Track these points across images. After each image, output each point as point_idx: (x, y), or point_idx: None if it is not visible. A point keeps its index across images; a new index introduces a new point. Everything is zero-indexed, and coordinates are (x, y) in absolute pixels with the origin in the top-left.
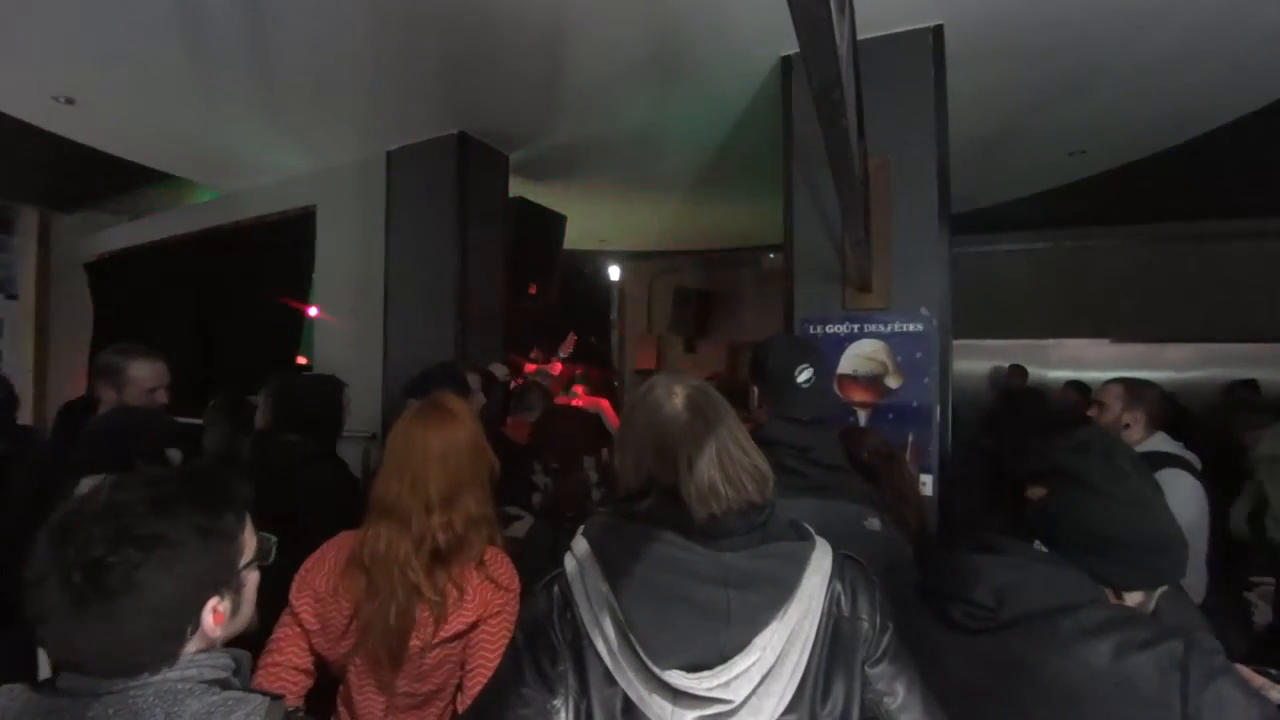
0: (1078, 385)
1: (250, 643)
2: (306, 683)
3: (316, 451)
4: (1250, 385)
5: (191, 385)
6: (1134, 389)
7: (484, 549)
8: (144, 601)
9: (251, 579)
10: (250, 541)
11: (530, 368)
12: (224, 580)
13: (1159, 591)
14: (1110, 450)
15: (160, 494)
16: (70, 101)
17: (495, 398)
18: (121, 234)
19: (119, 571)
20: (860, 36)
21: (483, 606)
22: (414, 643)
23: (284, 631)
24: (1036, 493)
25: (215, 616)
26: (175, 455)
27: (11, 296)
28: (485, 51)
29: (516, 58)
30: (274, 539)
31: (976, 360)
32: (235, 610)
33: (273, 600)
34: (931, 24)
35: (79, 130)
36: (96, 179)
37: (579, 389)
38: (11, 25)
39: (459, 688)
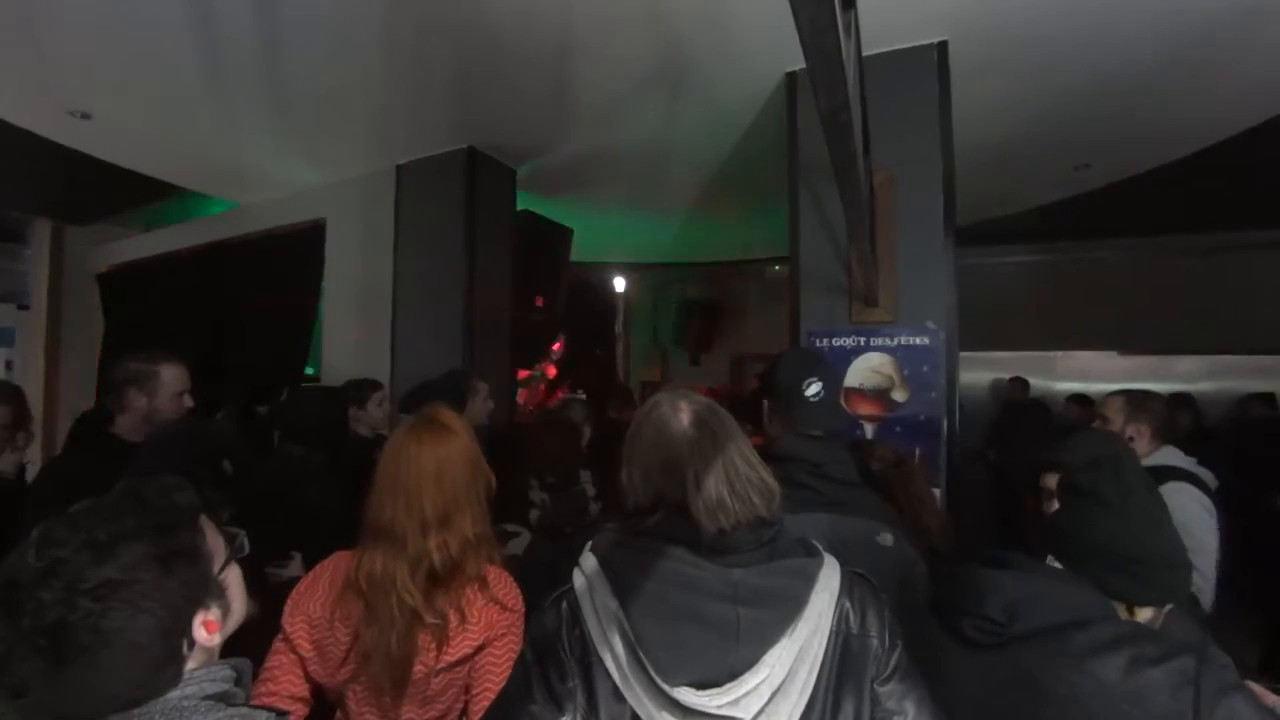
0: (1080, 399)
1: (250, 638)
2: (304, 711)
3: (320, 465)
4: (1267, 400)
5: (200, 396)
6: (1136, 401)
7: (484, 569)
8: (125, 645)
9: (234, 576)
10: (218, 543)
11: (523, 373)
12: (204, 594)
13: (1166, 609)
14: (1120, 466)
15: (96, 538)
16: (86, 116)
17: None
18: (133, 246)
19: (85, 626)
20: (866, 53)
21: (488, 629)
22: (418, 668)
23: (278, 659)
24: (1050, 480)
25: (208, 628)
26: (228, 466)
27: (24, 307)
28: (494, 68)
29: (525, 74)
30: (242, 532)
31: (983, 373)
32: (226, 613)
33: (275, 617)
34: (936, 40)
35: (93, 144)
36: (109, 191)
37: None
38: (29, 41)
39: (464, 711)
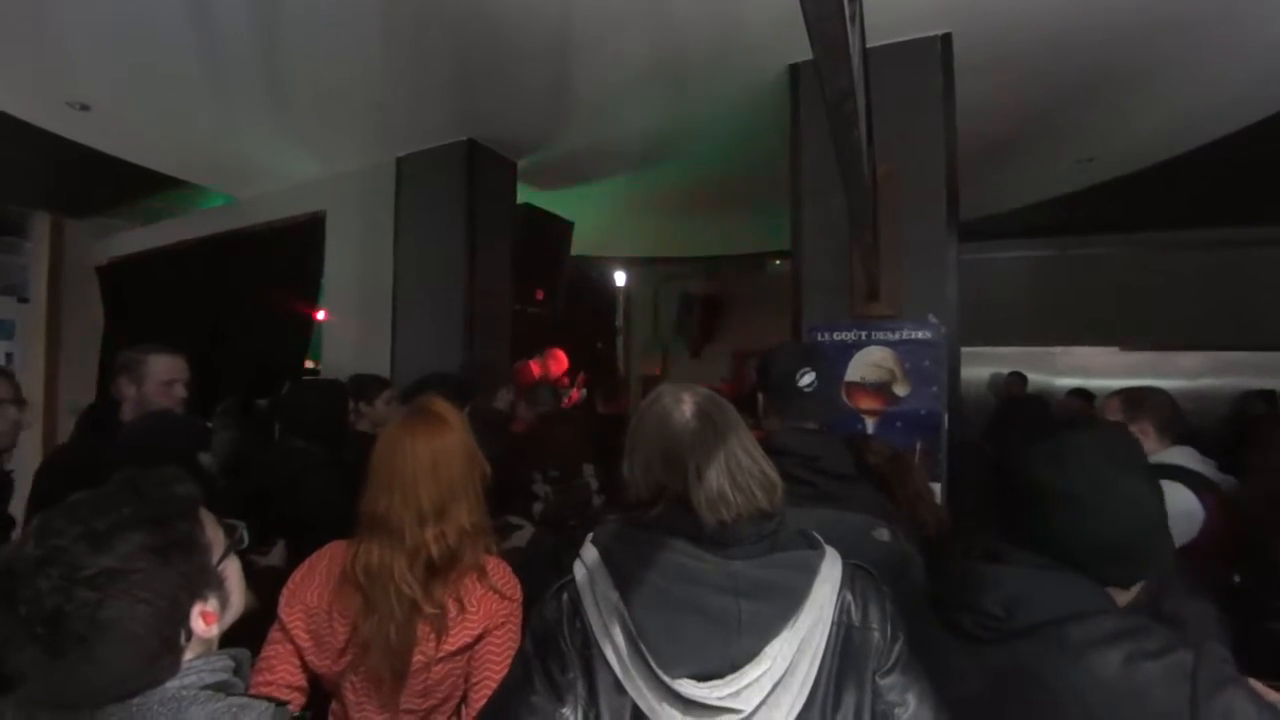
0: (1081, 393)
1: (249, 631)
2: (301, 700)
3: (320, 458)
4: (1267, 397)
5: (200, 389)
6: (1133, 399)
7: (482, 559)
8: (122, 635)
9: (232, 568)
10: (216, 535)
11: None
12: (202, 585)
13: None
14: (1085, 456)
15: (95, 528)
16: (85, 108)
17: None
18: (133, 238)
19: (82, 616)
20: (869, 45)
21: (488, 618)
22: (418, 658)
23: (275, 649)
24: None
25: (205, 619)
26: (207, 459)
27: (23, 300)
28: (495, 60)
29: (525, 66)
30: (241, 524)
31: (984, 367)
32: (224, 605)
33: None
34: (940, 32)
35: (93, 136)
36: (109, 184)
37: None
38: (28, 33)
39: (463, 700)
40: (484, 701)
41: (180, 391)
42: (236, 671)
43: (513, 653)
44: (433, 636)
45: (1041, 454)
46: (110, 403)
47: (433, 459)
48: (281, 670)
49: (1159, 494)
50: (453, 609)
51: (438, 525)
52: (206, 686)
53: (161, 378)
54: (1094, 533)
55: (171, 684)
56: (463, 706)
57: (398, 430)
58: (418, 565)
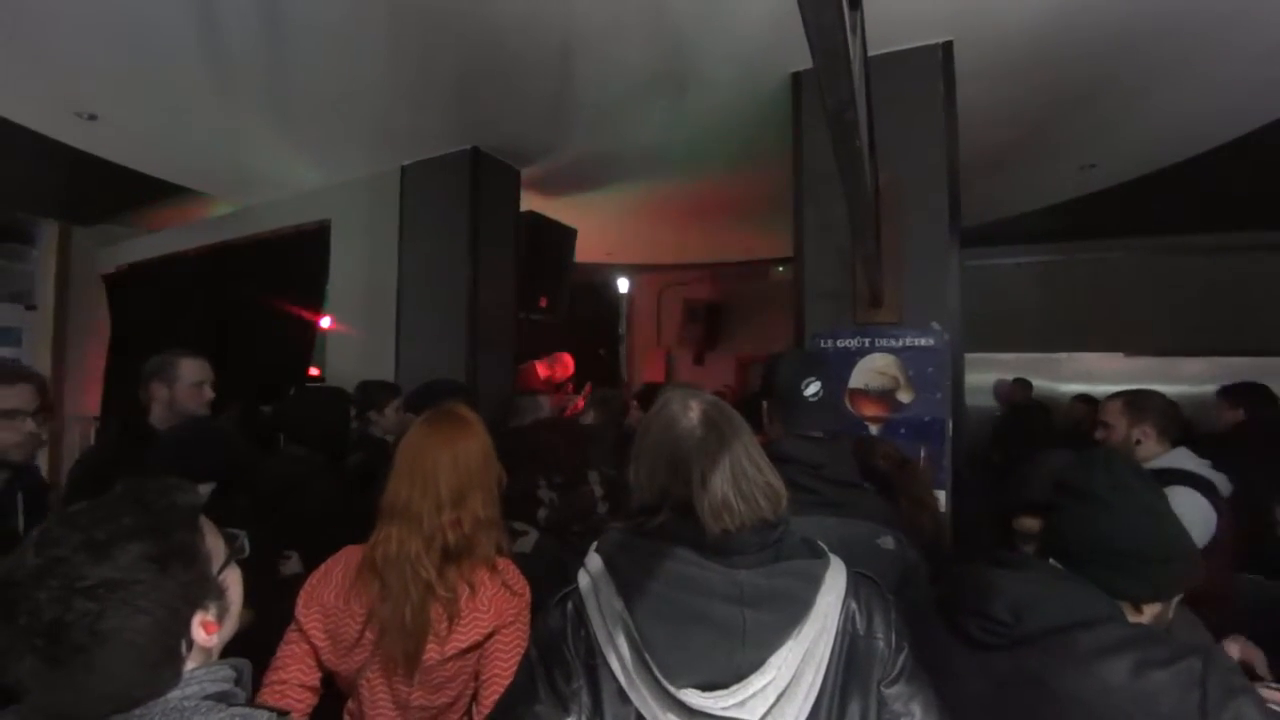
0: (1086, 398)
1: (251, 643)
2: (312, 700)
3: (322, 465)
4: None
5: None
6: (1136, 401)
7: (494, 554)
8: (122, 645)
9: (233, 579)
10: (216, 544)
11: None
12: (202, 595)
13: (1175, 600)
14: (1112, 463)
15: (93, 538)
16: (93, 118)
17: None
18: (139, 246)
19: (81, 627)
20: (871, 53)
21: (498, 616)
22: (431, 654)
23: (290, 649)
24: (1025, 524)
25: (206, 629)
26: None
27: (30, 307)
28: (499, 69)
29: (529, 75)
30: (242, 533)
31: (988, 374)
32: (224, 614)
33: (279, 612)
34: (941, 40)
35: (100, 145)
36: (115, 192)
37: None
38: (37, 43)
39: (474, 699)
40: (494, 698)
41: (209, 393)
42: (238, 681)
43: (522, 650)
44: (445, 620)
45: (1067, 459)
46: (136, 408)
47: (453, 453)
48: (294, 669)
49: (1182, 528)
50: (464, 595)
51: (455, 512)
52: (208, 696)
53: (191, 379)
54: (1109, 535)
55: (173, 694)
56: (474, 705)
57: (421, 428)
58: (434, 549)
